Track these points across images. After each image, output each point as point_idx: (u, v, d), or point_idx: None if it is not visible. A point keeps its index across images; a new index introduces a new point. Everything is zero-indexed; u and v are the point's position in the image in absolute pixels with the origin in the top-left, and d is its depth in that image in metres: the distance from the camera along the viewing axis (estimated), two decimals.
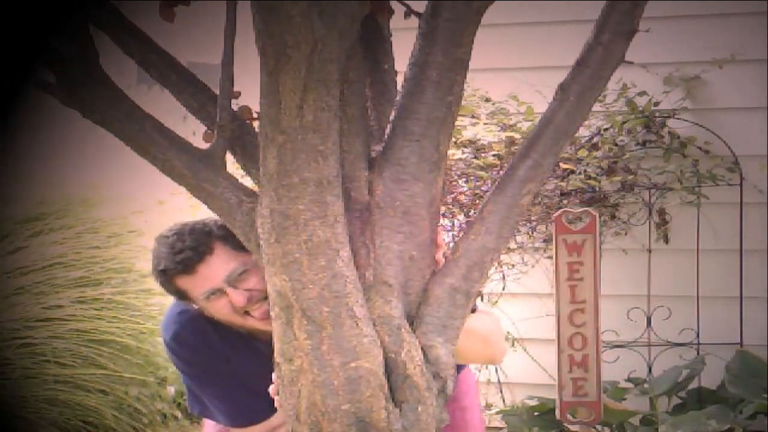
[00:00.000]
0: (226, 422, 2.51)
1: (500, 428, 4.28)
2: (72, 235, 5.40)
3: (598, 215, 3.31)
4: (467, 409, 2.68)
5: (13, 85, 2.00)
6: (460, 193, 4.23)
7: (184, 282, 2.32)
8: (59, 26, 1.87)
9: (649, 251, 4.49)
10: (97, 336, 4.90)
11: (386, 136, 1.94)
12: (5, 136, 4.81)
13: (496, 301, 4.57)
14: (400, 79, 1.97)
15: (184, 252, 2.29)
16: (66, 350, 4.78)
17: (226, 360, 2.45)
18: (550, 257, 4.27)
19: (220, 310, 2.33)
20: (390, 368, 1.90)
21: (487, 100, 4.47)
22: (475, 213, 2.01)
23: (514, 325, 4.56)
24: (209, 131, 2.00)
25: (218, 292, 2.30)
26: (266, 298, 2.22)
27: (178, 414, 5.38)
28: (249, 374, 2.41)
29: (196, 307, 2.41)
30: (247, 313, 2.31)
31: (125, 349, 4.89)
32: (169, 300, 2.48)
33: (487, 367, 4.52)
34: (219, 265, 2.30)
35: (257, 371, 2.30)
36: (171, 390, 5.22)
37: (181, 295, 2.36)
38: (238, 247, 2.25)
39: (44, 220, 5.43)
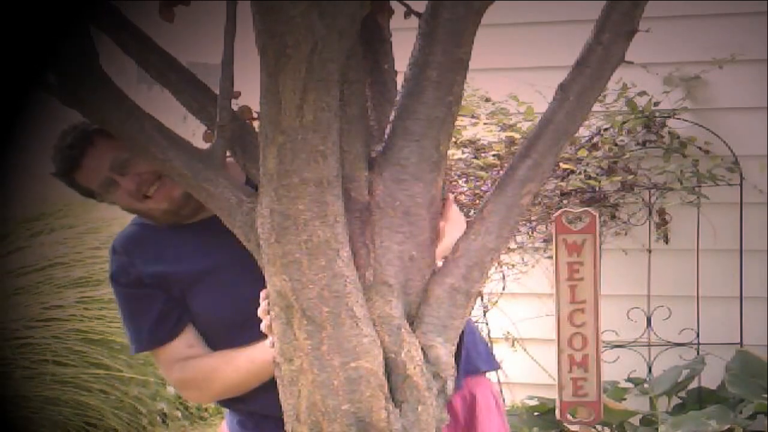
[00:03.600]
0: (150, 341, 2.42)
1: None
2: (72, 235, 5.40)
3: (598, 215, 3.31)
4: None
5: (13, 85, 2.00)
6: (460, 193, 4.23)
7: (80, 178, 2.37)
8: (60, 26, 1.87)
9: (649, 251, 4.49)
10: (97, 336, 4.91)
11: (386, 136, 1.94)
12: (5, 137, 4.81)
13: (496, 301, 4.57)
14: (400, 79, 1.97)
15: (66, 150, 2.36)
16: (66, 350, 4.78)
17: (165, 267, 2.41)
18: (550, 257, 4.27)
19: (122, 200, 2.37)
20: (390, 368, 1.90)
21: (487, 100, 4.47)
22: (475, 213, 2.00)
23: (514, 325, 4.56)
24: (209, 131, 2.00)
25: (111, 181, 2.35)
26: (160, 178, 2.31)
27: (178, 414, 5.38)
28: (195, 275, 2.39)
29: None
30: (147, 197, 2.35)
31: (125, 349, 4.89)
32: None
33: None
34: (101, 155, 2.34)
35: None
36: (171, 390, 5.22)
37: (91, 193, 2.41)
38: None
39: (44, 220, 5.44)
